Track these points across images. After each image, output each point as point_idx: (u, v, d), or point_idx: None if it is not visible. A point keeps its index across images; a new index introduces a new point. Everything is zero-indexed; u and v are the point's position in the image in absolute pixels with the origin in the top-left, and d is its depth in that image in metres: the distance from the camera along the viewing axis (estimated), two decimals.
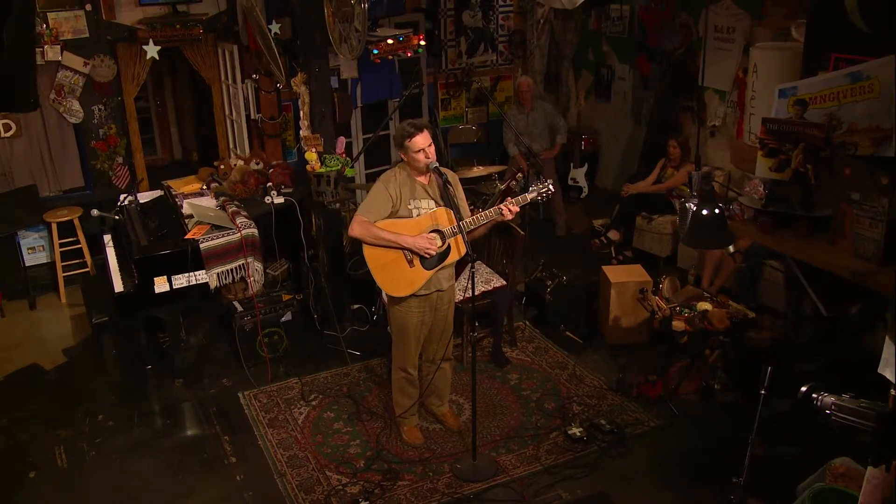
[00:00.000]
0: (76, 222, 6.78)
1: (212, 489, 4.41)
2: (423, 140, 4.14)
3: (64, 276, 6.82)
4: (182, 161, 10.39)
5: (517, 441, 4.71)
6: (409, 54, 6.57)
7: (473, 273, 4.10)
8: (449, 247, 4.27)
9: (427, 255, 4.21)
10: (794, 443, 4.45)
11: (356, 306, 6.15)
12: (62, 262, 6.80)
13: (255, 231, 5.48)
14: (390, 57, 6.57)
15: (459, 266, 4.56)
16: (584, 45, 8.93)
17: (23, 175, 6.92)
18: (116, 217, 5.67)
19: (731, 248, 5.25)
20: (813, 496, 3.14)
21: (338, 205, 5.80)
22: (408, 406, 4.68)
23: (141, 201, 5.86)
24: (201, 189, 6.34)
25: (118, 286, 5.16)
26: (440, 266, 4.27)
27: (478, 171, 6.33)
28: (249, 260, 5.44)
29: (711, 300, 5.19)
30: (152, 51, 6.73)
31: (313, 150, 5.72)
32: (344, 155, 5.86)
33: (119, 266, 5.40)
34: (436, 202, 4.27)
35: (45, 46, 6.55)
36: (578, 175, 8.54)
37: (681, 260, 6.89)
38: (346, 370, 5.54)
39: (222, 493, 4.37)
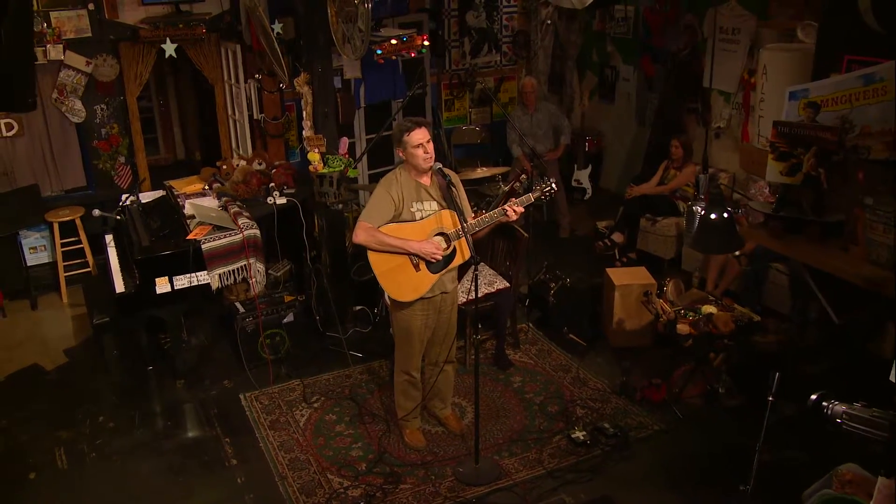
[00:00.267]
0: (78, 222, 6.75)
1: (212, 491, 4.38)
2: (421, 135, 4.09)
3: (65, 276, 6.80)
4: (185, 161, 10.37)
5: (520, 444, 4.67)
6: (412, 55, 6.55)
7: (477, 275, 4.07)
8: (454, 250, 4.23)
9: (434, 260, 4.17)
10: (799, 447, 4.41)
11: (358, 308, 6.12)
12: (64, 261, 6.78)
13: (258, 232, 5.46)
14: (394, 57, 6.54)
15: (463, 268, 4.53)
16: (588, 46, 8.90)
17: (25, 174, 6.91)
18: (118, 217, 5.64)
19: (737, 251, 5.20)
20: None
21: (340, 206, 5.77)
22: (410, 409, 4.65)
23: (143, 201, 5.84)
24: (203, 189, 6.32)
25: (119, 286, 5.13)
26: (446, 269, 4.24)
27: (482, 172, 6.30)
28: (251, 261, 5.42)
29: (716, 303, 5.15)
30: (170, 48, 6.73)
31: (316, 150, 5.69)
32: (347, 155, 5.83)
33: (120, 266, 5.38)
34: (438, 203, 4.24)
35: (48, 46, 6.53)
36: (582, 176, 8.51)
37: (685, 262, 6.85)
38: (348, 372, 5.51)
39: (223, 496, 4.34)
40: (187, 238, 5.23)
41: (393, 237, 4.11)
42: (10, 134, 6.71)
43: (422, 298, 4.25)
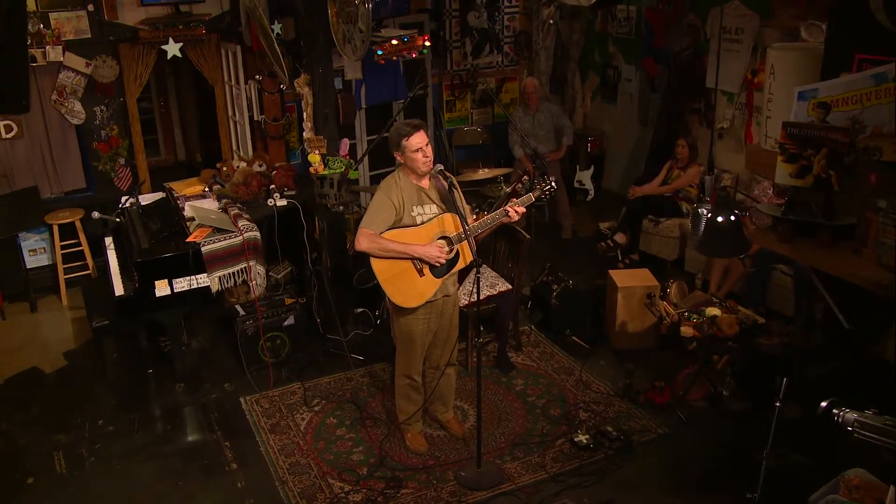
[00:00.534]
0: (77, 224, 6.72)
1: (212, 496, 4.34)
2: (419, 139, 4.04)
3: (65, 279, 6.77)
4: (185, 162, 10.35)
5: (522, 448, 4.64)
6: (413, 55, 6.51)
7: (479, 277, 4.04)
8: (457, 253, 4.20)
9: (438, 264, 4.13)
10: (805, 451, 4.37)
11: (360, 310, 6.08)
12: (63, 264, 6.75)
13: (258, 234, 5.42)
14: (395, 58, 6.51)
15: (464, 270, 4.49)
16: (590, 46, 8.87)
17: (24, 176, 6.87)
18: (117, 219, 5.60)
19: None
20: None
21: (341, 207, 5.74)
22: (412, 413, 4.61)
23: (143, 203, 5.80)
24: (203, 191, 6.29)
25: (119, 289, 5.10)
26: (450, 273, 4.21)
27: (483, 173, 6.27)
28: (251, 263, 5.38)
29: (720, 305, 5.11)
30: (173, 49, 6.70)
31: (316, 151, 5.66)
32: (347, 157, 5.80)
33: (120, 269, 5.34)
34: (438, 207, 4.20)
35: (47, 47, 6.50)
36: (584, 177, 8.47)
37: (688, 264, 6.81)
38: (349, 375, 5.48)
39: (223, 501, 4.30)
40: (187, 240, 5.19)
41: (396, 242, 4.06)
42: (9, 136, 6.67)
43: (425, 302, 4.21)
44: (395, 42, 6.25)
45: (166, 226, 5.37)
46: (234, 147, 7.79)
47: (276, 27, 6.66)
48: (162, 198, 6.00)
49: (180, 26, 6.87)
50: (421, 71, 8.11)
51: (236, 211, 5.64)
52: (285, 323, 5.54)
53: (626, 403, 5.06)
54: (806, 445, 4.38)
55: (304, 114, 5.92)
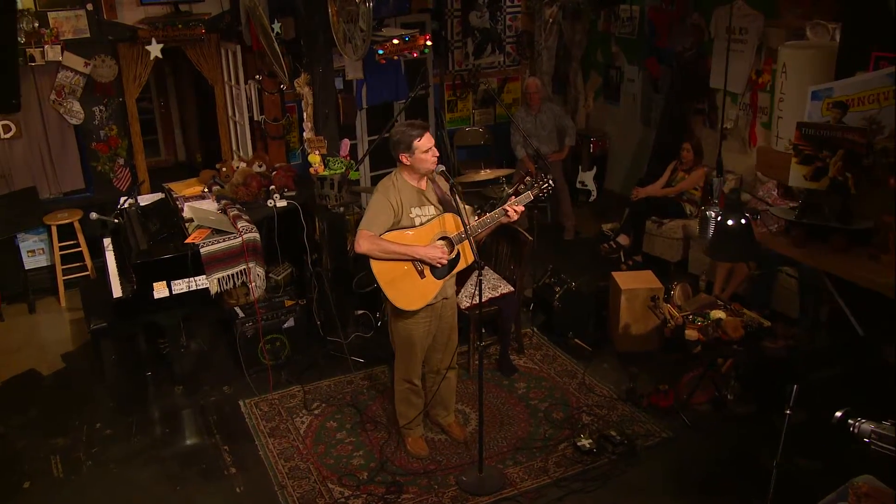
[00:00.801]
0: (76, 225, 6.68)
1: (211, 500, 4.29)
2: (429, 140, 4.03)
3: (64, 280, 6.73)
4: (186, 163, 10.30)
5: (525, 453, 4.59)
6: (415, 55, 6.45)
7: (481, 280, 3.99)
8: (458, 254, 4.16)
9: (439, 265, 4.08)
10: (811, 456, 4.30)
11: (360, 312, 6.04)
12: (62, 265, 6.71)
13: (257, 235, 5.37)
14: (395, 57, 6.46)
15: (466, 272, 4.44)
16: (592, 47, 8.82)
17: (22, 177, 6.82)
18: (116, 220, 5.56)
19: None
20: None
21: (342, 208, 5.69)
22: (412, 417, 4.56)
23: (141, 204, 5.76)
24: (202, 192, 6.23)
25: (117, 291, 5.05)
26: (451, 274, 4.16)
27: (485, 174, 6.22)
28: (251, 265, 5.33)
29: (725, 308, 5.05)
30: (155, 50, 6.65)
31: (316, 152, 5.61)
32: (348, 157, 5.76)
33: (118, 270, 5.29)
34: (435, 208, 4.16)
35: (46, 46, 6.46)
36: (587, 178, 8.42)
37: (692, 265, 6.76)
38: (349, 378, 5.43)
39: None
40: (186, 242, 5.14)
41: (397, 244, 4.02)
42: (7, 136, 6.63)
43: (426, 305, 4.17)
44: (396, 41, 6.19)
45: (165, 227, 5.33)
46: (234, 147, 7.75)
47: (276, 26, 6.61)
48: (161, 198, 5.97)
49: (179, 26, 6.83)
50: (422, 71, 8.06)
51: (235, 212, 5.58)
52: (285, 325, 5.49)
53: (629, 407, 5.01)
54: (811, 450, 4.32)
55: (305, 114, 5.88)
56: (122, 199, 5.78)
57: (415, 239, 4.06)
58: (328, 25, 5.60)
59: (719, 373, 5.06)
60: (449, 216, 4.13)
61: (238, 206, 5.75)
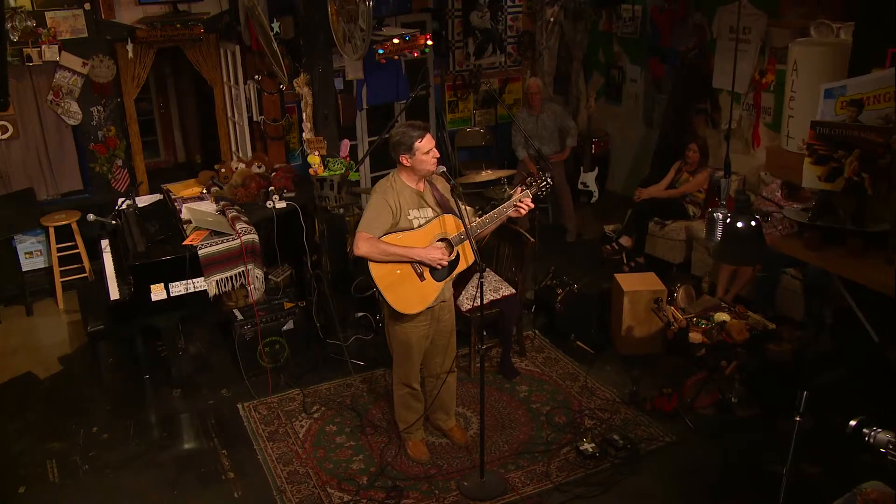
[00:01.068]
0: (74, 226, 6.63)
1: None
2: (429, 141, 3.99)
3: (62, 282, 6.68)
4: (185, 164, 10.25)
5: (527, 457, 4.53)
6: (415, 54, 6.42)
7: (482, 282, 3.93)
8: (458, 255, 4.11)
9: (439, 266, 4.04)
10: (816, 460, 4.25)
11: (360, 314, 5.99)
12: (60, 266, 6.66)
13: (256, 237, 5.32)
14: (396, 57, 6.42)
15: (467, 274, 4.39)
16: (594, 46, 8.77)
17: (20, 178, 6.77)
18: (113, 222, 5.51)
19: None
20: None
21: (341, 209, 5.64)
22: (413, 421, 4.51)
23: (140, 205, 5.70)
24: (201, 193, 6.18)
25: (114, 293, 5.00)
26: (451, 276, 4.11)
27: (487, 175, 6.18)
28: (249, 267, 5.28)
29: (729, 311, 5.00)
30: (130, 51, 6.68)
31: (316, 153, 5.57)
32: (348, 158, 5.71)
33: (115, 272, 5.25)
34: (433, 210, 4.11)
35: (43, 46, 6.42)
36: (588, 179, 8.35)
37: (694, 267, 6.71)
38: (349, 381, 5.38)
39: None
40: (183, 243, 5.09)
41: (397, 246, 3.97)
42: (4, 136, 6.60)
43: (425, 308, 4.12)
44: (396, 41, 6.16)
45: (163, 228, 5.28)
46: (234, 148, 7.70)
47: (275, 26, 6.56)
48: (159, 200, 5.92)
49: (178, 25, 6.78)
50: (423, 71, 8.01)
51: (234, 213, 5.53)
52: (284, 327, 5.44)
53: (632, 411, 4.95)
54: (817, 454, 4.26)
55: (304, 114, 5.83)
56: (120, 201, 5.74)
57: (414, 240, 4.01)
58: (328, 24, 5.56)
59: (723, 376, 5.00)
60: (448, 217, 4.09)
61: (237, 207, 5.70)
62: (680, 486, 4.29)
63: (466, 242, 4.08)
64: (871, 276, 4.10)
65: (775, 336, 5.02)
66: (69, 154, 6.96)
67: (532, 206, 4.14)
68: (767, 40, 6.47)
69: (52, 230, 6.58)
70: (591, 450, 4.51)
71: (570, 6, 8.41)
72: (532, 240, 5.33)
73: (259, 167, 6.19)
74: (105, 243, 5.67)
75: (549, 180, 4.23)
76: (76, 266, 6.76)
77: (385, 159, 8.01)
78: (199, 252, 5.04)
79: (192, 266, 4.98)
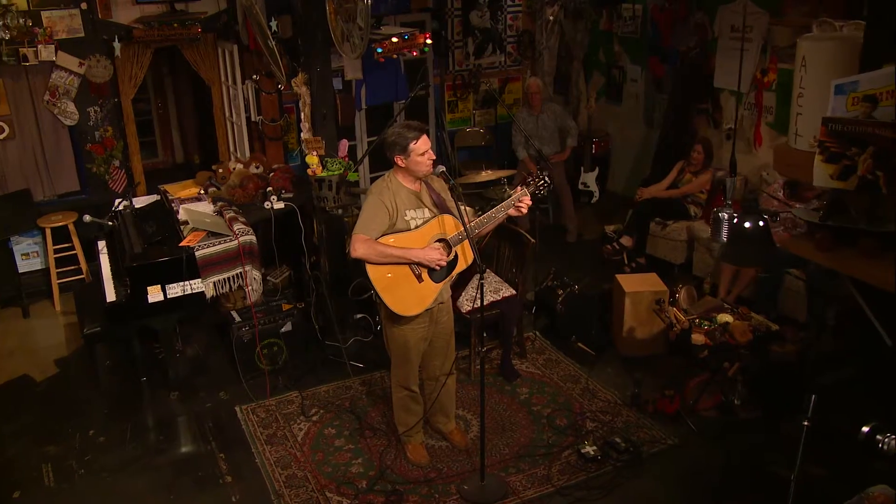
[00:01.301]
0: (71, 227, 6.58)
1: None
2: (425, 142, 3.95)
3: (58, 283, 6.64)
4: (184, 164, 10.21)
5: (527, 460, 4.49)
6: (414, 53, 6.38)
7: (482, 283, 3.89)
8: (456, 256, 4.07)
9: (438, 267, 3.99)
10: (822, 464, 4.20)
11: (359, 316, 5.94)
12: (57, 268, 6.62)
13: (253, 238, 5.28)
14: (395, 56, 6.38)
15: (467, 275, 4.35)
16: (594, 46, 8.73)
17: (16, 179, 6.72)
18: (110, 223, 5.46)
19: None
20: None
21: (340, 210, 5.60)
22: (412, 424, 4.46)
23: (137, 206, 5.66)
24: (199, 194, 6.14)
25: (110, 295, 4.95)
26: (450, 277, 4.06)
27: (486, 175, 6.14)
28: (247, 268, 5.24)
29: (732, 312, 4.95)
30: (116, 48, 6.62)
31: (314, 153, 5.52)
32: (346, 158, 5.66)
33: (112, 274, 5.20)
34: (430, 210, 4.07)
35: (39, 46, 6.37)
36: (589, 179, 8.31)
37: (696, 267, 6.67)
38: (348, 383, 5.33)
39: None
40: (181, 245, 5.04)
41: (394, 247, 3.92)
42: (0, 137, 6.54)
43: (424, 310, 4.07)
44: (395, 40, 6.11)
45: (160, 229, 5.24)
46: (232, 148, 7.65)
47: (273, 25, 6.51)
48: (156, 200, 5.88)
49: (175, 25, 6.73)
50: (422, 71, 7.97)
51: (232, 214, 5.49)
52: (282, 329, 5.40)
53: (634, 413, 4.91)
54: (821, 457, 4.21)
55: (302, 114, 5.79)
56: (117, 202, 5.69)
57: (411, 241, 3.96)
58: (326, 24, 5.52)
59: (726, 378, 4.95)
60: (447, 217, 4.04)
61: (234, 208, 5.66)
62: (682, 488, 4.25)
63: (465, 242, 4.04)
64: (886, 278, 4.00)
65: (779, 337, 4.97)
66: (66, 155, 6.91)
67: (531, 203, 4.10)
68: (769, 39, 6.42)
69: (48, 231, 6.53)
70: (592, 453, 4.47)
71: (571, 5, 8.37)
72: (532, 240, 5.29)
73: (257, 167, 6.15)
74: (102, 244, 5.62)
75: (546, 179, 4.20)
76: (73, 267, 6.72)
77: (384, 159, 7.98)
78: (197, 253, 5.00)
79: (190, 267, 4.93)
